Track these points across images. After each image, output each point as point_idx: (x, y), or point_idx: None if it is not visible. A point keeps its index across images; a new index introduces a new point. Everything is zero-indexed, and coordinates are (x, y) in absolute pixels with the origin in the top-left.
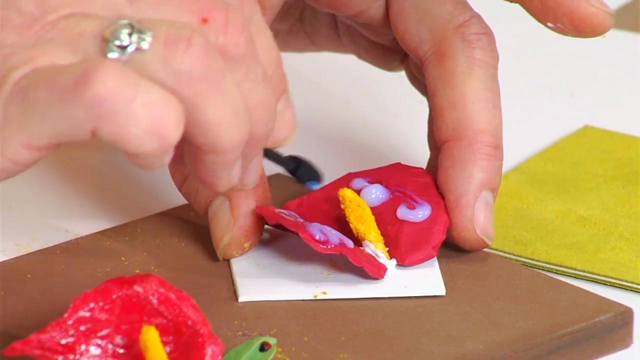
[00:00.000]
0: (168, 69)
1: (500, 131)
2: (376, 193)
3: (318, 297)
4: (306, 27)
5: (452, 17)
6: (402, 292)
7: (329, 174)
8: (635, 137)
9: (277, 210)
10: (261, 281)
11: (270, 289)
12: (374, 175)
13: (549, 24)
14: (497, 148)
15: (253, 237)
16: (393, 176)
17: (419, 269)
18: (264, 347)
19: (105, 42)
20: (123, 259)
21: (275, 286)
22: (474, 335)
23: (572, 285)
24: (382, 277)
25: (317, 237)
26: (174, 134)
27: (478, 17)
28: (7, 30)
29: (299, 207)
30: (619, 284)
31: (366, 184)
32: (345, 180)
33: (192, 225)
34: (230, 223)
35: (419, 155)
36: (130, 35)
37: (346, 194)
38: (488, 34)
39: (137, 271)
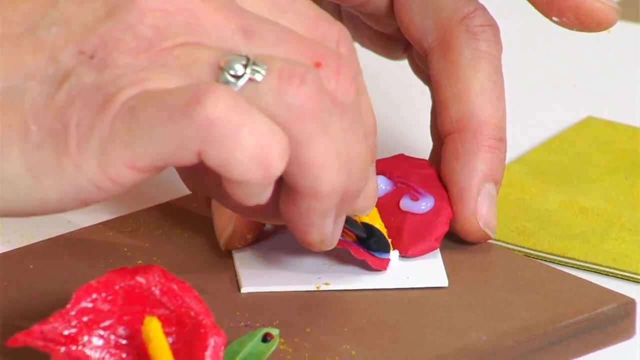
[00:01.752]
0: (279, 103)
1: (504, 123)
2: (379, 185)
3: (321, 288)
4: None
5: (457, 8)
6: (405, 283)
7: None
8: (638, 128)
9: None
10: (264, 272)
11: (272, 280)
12: (377, 167)
13: (554, 18)
14: (501, 140)
15: (255, 229)
16: (396, 167)
17: (422, 260)
18: (266, 338)
19: (220, 70)
20: (125, 249)
21: (278, 277)
22: (476, 326)
23: (575, 276)
24: (385, 269)
25: None
26: (279, 165)
27: (483, 9)
28: (121, 52)
29: None
30: (622, 275)
31: None
32: None
33: (195, 216)
34: (233, 214)
35: (422, 146)
36: (245, 66)
37: None
38: (492, 25)
39: (140, 262)
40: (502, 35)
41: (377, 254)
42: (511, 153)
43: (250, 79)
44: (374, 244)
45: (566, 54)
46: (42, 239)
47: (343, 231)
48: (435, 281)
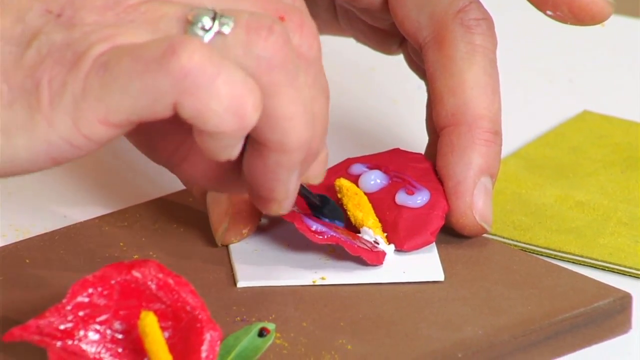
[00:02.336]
0: (249, 54)
1: (499, 117)
2: (375, 179)
3: (317, 283)
4: None
5: (452, 2)
6: (401, 277)
7: (330, 156)
8: (634, 122)
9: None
10: (260, 267)
11: (268, 275)
12: (373, 161)
13: (549, 12)
14: (496, 134)
15: (251, 224)
16: (392, 162)
17: (418, 255)
18: (262, 333)
19: (188, 24)
20: (122, 244)
21: (274, 272)
22: (472, 320)
23: (571, 271)
24: (381, 264)
25: (313, 228)
26: (253, 116)
27: (477, 2)
28: (88, 10)
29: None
30: (618, 269)
31: (365, 169)
32: (344, 166)
33: (191, 211)
34: (229, 209)
35: (418, 140)
36: (212, 19)
37: (342, 183)
38: (487, 19)
39: (136, 257)
40: (498, 30)
41: (331, 222)
42: (507, 147)
43: (218, 32)
44: (328, 213)
45: (562, 48)
46: (38, 234)
47: (298, 200)
48: (431, 275)
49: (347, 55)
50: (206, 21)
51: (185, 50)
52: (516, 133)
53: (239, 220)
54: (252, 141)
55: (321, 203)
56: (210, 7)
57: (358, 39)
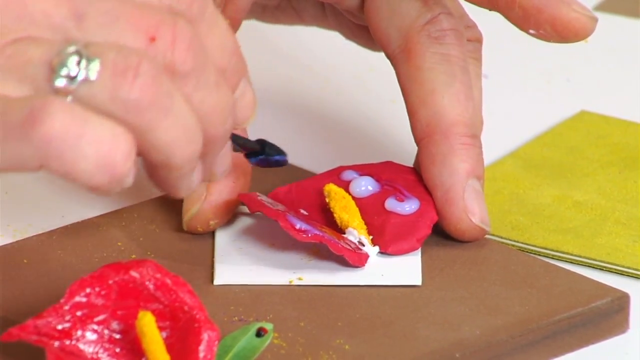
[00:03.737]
0: (116, 100)
1: (476, 121)
2: (366, 185)
3: (293, 283)
4: (294, 3)
5: (420, 14)
6: (379, 280)
7: (325, 159)
8: (632, 122)
9: (259, 197)
10: (239, 265)
11: (246, 273)
12: (365, 170)
13: (531, 31)
14: (474, 137)
15: (220, 217)
16: (384, 172)
17: (400, 258)
18: (260, 333)
19: (53, 71)
20: (119, 244)
21: (252, 271)
22: (470, 320)
23: (569, 271)
24: (363, 266)
25: (297, 226)
26: (124, 167)
27: (447, 14)
28: None
29: (287, 193)
30: (615, 269)
31: (356, 176)
32: (336, 172)
33: None
34: (202, 196)
35: None
36: (78, 63)
37: (331, 188)
38: (455, 29)
39: (134, 256)
40: (494, 30)
41: (277, 158)
42: (505, 147)
43: (85, 79)
44: (269, 150)
45: (559, 48)
46: (35, 234)
47: (237, 150)
48: (409, 279)
49: (344, 55)
50: (72, 67)
51: (45, 117)
52: (514, 133)
53: (208, 210)
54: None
55: (260, 146)
56: (75, 48)
57: (347, 36)
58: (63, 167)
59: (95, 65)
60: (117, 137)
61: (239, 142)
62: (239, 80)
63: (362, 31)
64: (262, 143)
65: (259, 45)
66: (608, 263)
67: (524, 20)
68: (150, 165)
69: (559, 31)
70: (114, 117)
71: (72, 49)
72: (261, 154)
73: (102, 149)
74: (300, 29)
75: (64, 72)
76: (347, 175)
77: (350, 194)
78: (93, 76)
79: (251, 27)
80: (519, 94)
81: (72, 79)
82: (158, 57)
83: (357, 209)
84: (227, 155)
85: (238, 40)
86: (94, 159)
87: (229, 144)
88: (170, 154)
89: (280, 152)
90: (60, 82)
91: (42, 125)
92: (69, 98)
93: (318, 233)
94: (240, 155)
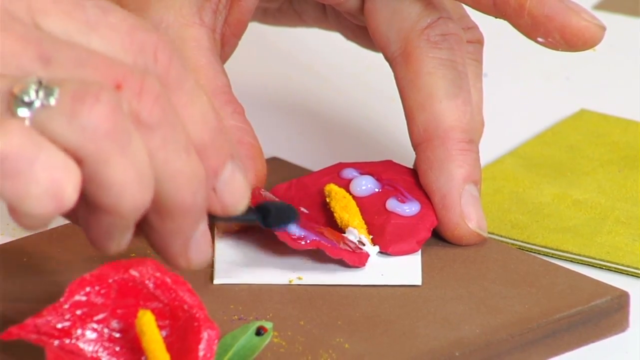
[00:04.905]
0: (72, 125)
1: (473, 126)
2: (367, 184)
3: (293, 282)
4: (295, 6)
5: (420, 18)
6: (379, 280)
7: (325, 156)
8: (632, 120)
9: (262, 192)
10: (239, 265)
11: (245, 272)
12: (365, 168)
13: (539, 39)
14: (471, 142)
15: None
16: (384, 171)
17: (400, 258)
18: (260, 332)
19: (13, 98)
20: None
21: (252, 270)
22: (470, 319)
23: (568, 269)
24: (363, 266)
25: (294, 235)
26: (70, 198)
27: (446, 18)
28: None
29: (287, 190)
30: (615, 268)
31: (356, 174)
32: (336, 169)
33: None
34: None
35: None
36: (37, 91)
37: (332, 188)
38: (455, 34)
39: (133, 255)
40: (494, 28)
41: (284, 227)
42: (504, 146)
43: (43, 105)
44: (273, 221)
45: None
46: (35, 232)
47: (240, 224)
48: (409, 279)
49: (344, 53)
50: (31, 93)
51: (3, 135)
52: (513, 132)
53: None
54: (87, 200)
55: (262, 214)
56: (37, 78)
57: (347, 37)
58: (14, 188)
59: (55, 92)
60: (69, 167)
61: (236, 219)
62: (223, 160)
63: (363, 32)
64: (264, 210)
65: (260, 45)
66: (608, 262)
67: (532, 29)
68: (93, 207)
69: (567, 40)
70: (68, 146)
71: (33, 78)
72: (265, 222)
73: (54, 176)
74: (301, 30)
75: (24, 98)
76: (347, 173)
77: (350, 192)
78: (52, 102)
79: (252, 29)
80: (518, 92)
81: (31, 104)
82: (124, 102)
83: (357, 208)
84: (203, 241)
85: (223, 122)
86: (46, 184)
87: (205, 231)
88: (119, 195)
89: (289, 216)
90: (20, 109)
91: None
92: (27, 122)
93: (315, 238)
94: (251, 140)
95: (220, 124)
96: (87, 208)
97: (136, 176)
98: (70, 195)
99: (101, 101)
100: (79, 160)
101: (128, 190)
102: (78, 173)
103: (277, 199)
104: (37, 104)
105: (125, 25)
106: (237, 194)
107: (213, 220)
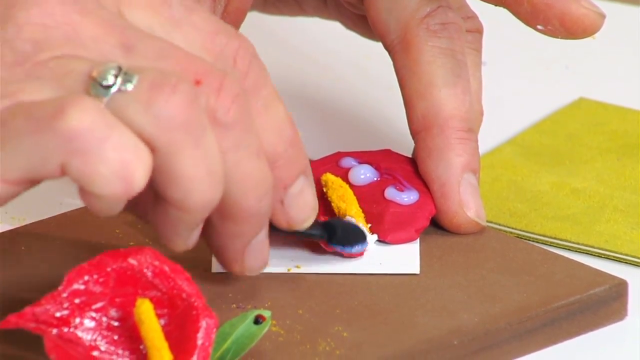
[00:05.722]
0: (148, 113)
1: (472, 115)
2: (365, 173)
3: (291, 271)
4: None
5: (420, 7)
6: (377, 269)
7: (322, 146)
8: (630, 109)
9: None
10: None
11: None
12: (364, 157)
13: (539, 27)
14: (470, 131)
15: None
16: (383, 160)
17: (399, 247)
18: (258, 320)
19: (91, 81)
20: (117, 231)
21: None
22: (468, 307)
23: (567, 258)
24: (362, 255)
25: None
26: (140, 182)
27: (446, 7)
28: None
29: None
30: (614, 257)
31: (355, 163)
32: (334, 159)
33: None
34: None
35: None
36: (116, 76)
37: (328, 177)
38: (455, 23)
39: (132, 244)
40: (493, 17)
41: (350, 249)
42: (503, 134)
43: (119, 90)
44: (342, 239)
45: None
46: (33, 221)
47: (299, 241)
48: (407, 268)
49: (341, 42)
50: (110, 78)
51: (75, 111)
52: (512, 120)
53: None
54: (156, 193)
55: (329, 232)
56: (117, 64)
57: (347, 26)
58: (83, 167)
59: (134, 79)
60: (141, 151)
61: (302, 235)
62: (295, 173)
63: (363, 21)
64: (331, 228)
65: (259, 34)
66: (606, 250)
67: (532, 16)
68: (161, 200)
69: (567, 27)
70: (142, 133)
71: (114, 64)
72: (332, 240)
73: (124, 158)
74: (301, 19)
75: (102, 82)
76: (346, 162)
77: (349, 181)
78: (129, 88)
79: (252, 17)
80: (517, 81)
81: (108, 88)
82: (201, 97)
83: (354, 197)
84: (262, 249)
85: (299, 136)
86: (115, 165)
87: (264, 238)
88: (189, 190)
89: (357, 238)
90: (97, 91)
91: (70, 118)
92: (103, 104)
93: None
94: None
95: (296, 136)
96: (156, 200)
97: (207, 172)
98: (139, 178)
99: (178, 92)
100: (152, 149)
101: (197, 184)
102: (149, 158)
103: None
104: (115, 89)
105: (208, 26)
106: (304, 210)
107: (278, 233)
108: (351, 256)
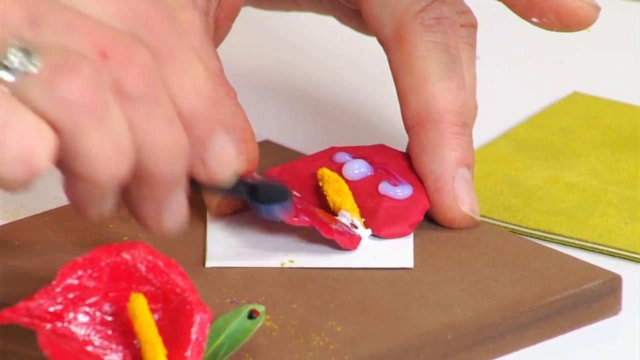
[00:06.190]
0: (51, 96)
1: (466, 109)
2: (359, 168)
3: (285, 266)
4: None
5: (414, 1)
6: (371, 263)
7: (317, 139)
8: (624, 103)
9: (255, 176)
10: (231, 248)
11: (238, 256)
12: (358, 152)
13: (534, 20)
14: (464, 126)
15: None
16: (377, 155)
17: (392, 241)
18: (252, 315)
19: None
20: (111, 226)
21: (244, 253)
22: (462, 302)
23: (561, 253)
24: (355, 249)
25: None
26: (41, 165)
27: (440, 1)
28: None
29: (280, 174)
30: (608, 251)
31: (349, 158)
32: (329, 154)
33: None
34: None
35: None
36: (20, 56)
37: (324, 172)
38: (449, 17)
39: (125, 238)
40: (486, 10)
41: (277, 207)
42: (497, 129)
43: (24, 72)
44: (264, 198)
45: None
46: (27, 216)
47: (233, 208)
48: (401, 262)
49: (336, 36)
50: (13, 59)
51: None
52: (506, 114)
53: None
54: (65, 169)
55: (251, 192)
56: (20, 41)
57: (341, 21)
58: None
59: (37, 60)
60: (42, 133)
61: (227, 190)
62: (212, 130)
63: (357, 16)
64: (254, 187)
65: (253, 29)
66: (600, 245)
67: (527, 9)
68: (70, 176)
69: (562, 20)
70: (45, 115)
71: (16, 42)
72: (256, 200)
73: (25, 142)
74: (295, 14)
75: (4, 62)
76: (340, 157)
77: (343, 176)
78: (33, 70)
79: (246, 12)
80: (511, 75)
81: (11, 70)
82: (106, 73)
83: (349, 192)
84: (179, 208)
85: (218, 92)
86: (15, 149)
87: (181, 200)
88: (96, 167)
89: (281, 195)
90: (1, 72)
91: None
92: (6, 88)
93: (308, 219)
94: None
95: (215, 93)
96: (67, 176)
97: (112, 148)
98: (41, 162)
99: (80, 73)
100: (56, 131)
101: (103, 162)
102: (52, 140)
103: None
104: (17, 70)
105: None
106: (224, 164)
107: (201, 189)
108: (345, 244)
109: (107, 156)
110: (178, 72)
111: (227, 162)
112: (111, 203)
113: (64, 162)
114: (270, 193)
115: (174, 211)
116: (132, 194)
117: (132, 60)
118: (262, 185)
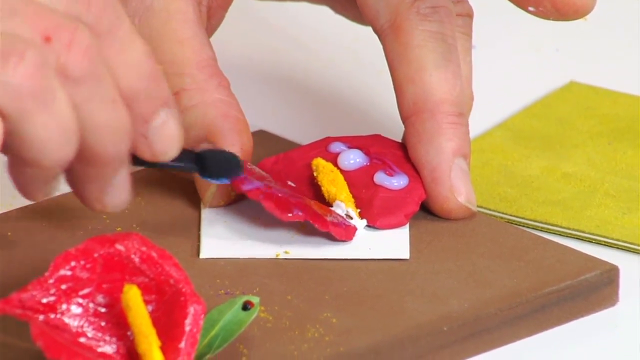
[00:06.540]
0: None
1: (462, 99)
2: (355, 158)
3: (280, 257)
4: None
5: None
6: (366, 254)
7: (312, 129)
8: (621, 93)
9: (249, 166)
10: (225, 239)
11: (232, 247)
12: (354, 142)
13: (530, 9)
14: (460, 115)
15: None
16: (372, 145)
17: (388, 232)
18: (246, 306)
19: None
20: (105, 217)
21: (239, 245)
22: (458, 293)
23: (558, 243)
24: (351, 240)
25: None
26: None
27: None
28: None
29: (274, 164)
30: (605, 242)
31: (344, 148)
32: (324, 144)
33: (175, 183)
34: None
35: None
36: None
37: (319, 162)
38: (445, 6)
39: (119, 229)
40: (482, 1)
41: (224, 179)
42: (493, 118)
43: None
44: (213, 169)
45: None
46: (19, 206)
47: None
48: (397, 253)
49: (331, 26)
50: None
51: None
52: (502, 104)
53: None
54: (11, 153)
55: (199, 163)
56: None
57: (336, 10)
58: None
59: None
60: None
61: (171, 165)
62: (156, 107)
63: (352, 5)
64: (201, 158)
65: (247, 18)
66: (597, 235)
67: None
68: (16, 159)
69: (559, 8)
70: None
71: None
72: (205, 171)
73: None
74: (289, 3)
75: None
76: (335, 147)
77: (338, 166)
78: None
79: (239, 1)
80: (507, 64)
81: None
82: (50, 57)
83: (344, 182)
84: (122, 186)
85: (159, 69)
86: None
87: (124, 176)
88: (41, 151)
89: (231, 164)
90: None
91: None
92: None
93: (302, 214)
94: (236, 113)
95: (156, 71)
96: (12, 158)
97: (58, 132)
98: None
99: (25, 60)
100: (3, 116)
101: (49, 146)
102: None
103: (264, 173)
104: None
105: None
106: (167, 141)
107: (147, 166)
108: (340, 236)
109: (53, 140)
110: (119, 51)
111: (170, 138)
112: (57, 184)
113: (10, 147)
114: (219, 162)
115: (118, 189)
116: (75, 173)
117: (75, 42)
118: (209, 154)
